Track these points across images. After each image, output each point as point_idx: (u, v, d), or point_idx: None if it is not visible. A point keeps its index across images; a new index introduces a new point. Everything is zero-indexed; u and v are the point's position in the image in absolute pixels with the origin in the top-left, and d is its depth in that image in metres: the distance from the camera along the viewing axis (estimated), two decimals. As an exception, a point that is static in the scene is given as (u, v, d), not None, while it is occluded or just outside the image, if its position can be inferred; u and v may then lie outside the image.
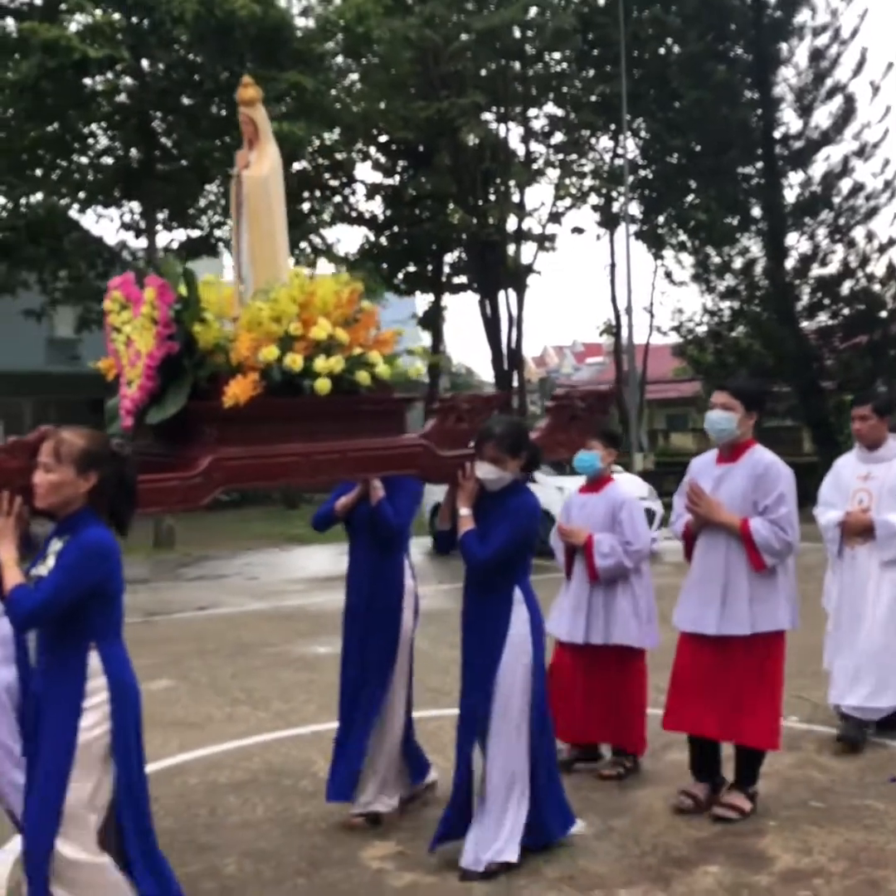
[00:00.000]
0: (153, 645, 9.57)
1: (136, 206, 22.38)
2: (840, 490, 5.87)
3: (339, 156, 25.01)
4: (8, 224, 21.10)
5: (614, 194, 27.78)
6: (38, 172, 21.33)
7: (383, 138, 26.87)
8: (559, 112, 27.64)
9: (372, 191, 27.79)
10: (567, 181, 28.40)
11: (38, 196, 21.69)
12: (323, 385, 3.86)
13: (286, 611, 11.14)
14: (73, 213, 22.50)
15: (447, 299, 31.09)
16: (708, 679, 4.81)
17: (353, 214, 27.55)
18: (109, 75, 19.71)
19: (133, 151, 21.39)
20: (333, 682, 5.07)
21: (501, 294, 27.17)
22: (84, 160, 21.69)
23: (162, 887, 3.31)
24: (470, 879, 4.19)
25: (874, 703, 5.69)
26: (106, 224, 26.55)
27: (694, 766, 5.02)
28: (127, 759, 3.30)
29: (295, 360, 3.83)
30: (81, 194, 21.85)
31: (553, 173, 28.15)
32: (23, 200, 21.49)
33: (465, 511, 4.30)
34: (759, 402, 4.98)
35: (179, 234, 24.02)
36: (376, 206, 28.13)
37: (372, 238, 28.25)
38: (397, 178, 28.10)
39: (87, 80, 19.18)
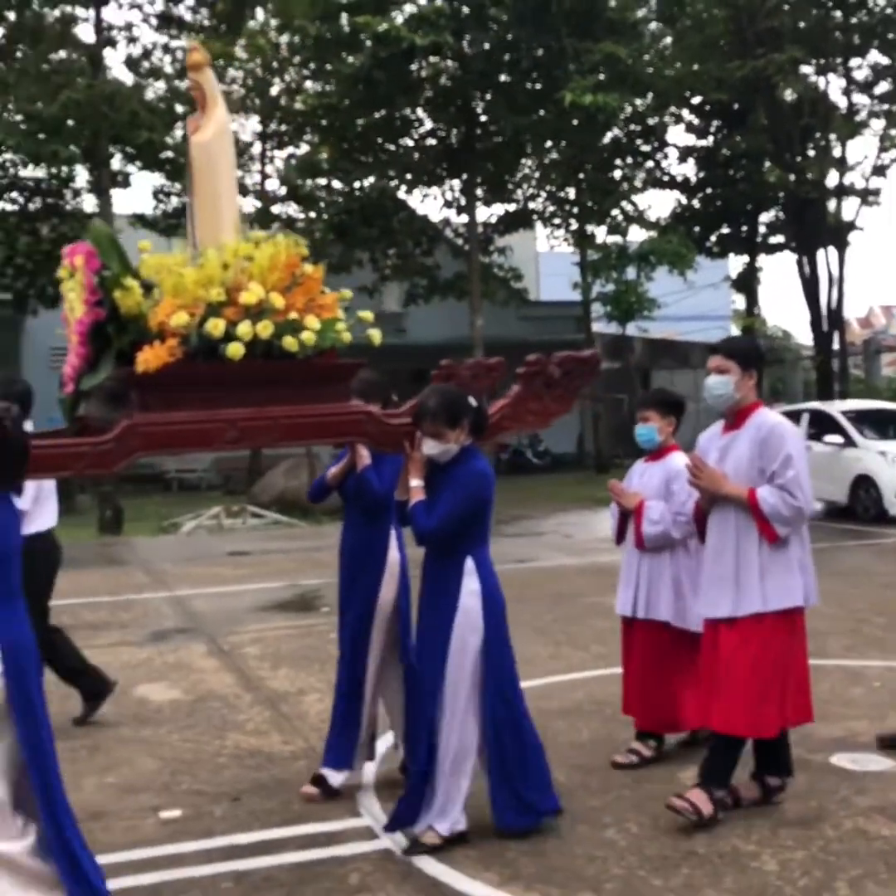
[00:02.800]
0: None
1: (456, 183, 23.60)
2: None
3: (650, 121, 25.11)
4: (344, 207, 22.89)
5: (946, 144, 26.18)
6: (369, 158, 22.99)
7: (696, 100, 26.63)
8: (884, 60, 26.28)
9: (684, 154, 27.63)
10: (893, 132, 27.00)
11: (370, 180, 23.37)
12: (235, 350, 3.74)
13: (598, 566, 11.56)
14: (401, 193, 24.08)
15: (762, 260, 30.47)
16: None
17: (665, 179, 27.54)
18: (434, 59, 20.92)
19: (454, 131, 22.56)
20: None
21: (820, 253, 26.31)
22: (410, 143, 23.11)
23: None
24: (416, 852, 4.19)
25: None
26: (429, 203, 28.18)
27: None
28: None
29: (216, 325, 3.73)
30: (408, 175, 23.33)
31: (877, 124, 26.82)
32: (356, 184, 23.24)
33: (415, 482, 4.20)
34: (756, 360, 4.59)
35: (497, 209, 25.10)
36: (689, 169, 27.98)
37: (684, 201, 28.12)
38: (711, 139, 27.74)
39: (413, 67, 20.43)
